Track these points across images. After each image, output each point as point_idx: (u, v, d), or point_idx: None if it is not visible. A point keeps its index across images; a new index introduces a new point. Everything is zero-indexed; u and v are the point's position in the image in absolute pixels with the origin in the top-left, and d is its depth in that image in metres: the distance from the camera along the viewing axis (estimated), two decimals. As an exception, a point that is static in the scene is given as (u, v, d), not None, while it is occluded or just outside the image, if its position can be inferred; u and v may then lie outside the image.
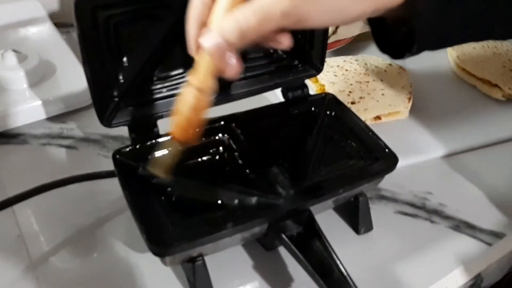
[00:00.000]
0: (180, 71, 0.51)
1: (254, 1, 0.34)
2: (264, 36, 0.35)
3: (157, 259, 0.43)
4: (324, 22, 0.35)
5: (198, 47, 0.37)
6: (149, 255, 0.42)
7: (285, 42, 0.37)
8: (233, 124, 0.54)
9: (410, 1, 0.35)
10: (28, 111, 0.63)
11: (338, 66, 0.73)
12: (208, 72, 0.37)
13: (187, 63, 0.50)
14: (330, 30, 0.75)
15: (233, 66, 0.36)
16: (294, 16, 0.33)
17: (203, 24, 0.36)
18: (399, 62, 0.75)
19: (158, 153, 0.41)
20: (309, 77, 0.58)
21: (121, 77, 0.48)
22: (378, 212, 0.56)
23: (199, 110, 0.38)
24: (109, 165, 0.49)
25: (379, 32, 0.41)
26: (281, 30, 0.35)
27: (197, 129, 0.39)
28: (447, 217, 0.56)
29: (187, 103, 0.38)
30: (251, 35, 0.34)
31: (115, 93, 0.48)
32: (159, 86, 0.50)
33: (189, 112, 0.38)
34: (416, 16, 0.36)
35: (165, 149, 0.41)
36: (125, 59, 0.47)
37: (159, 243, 0.41)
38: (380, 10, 0.35)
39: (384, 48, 0.41)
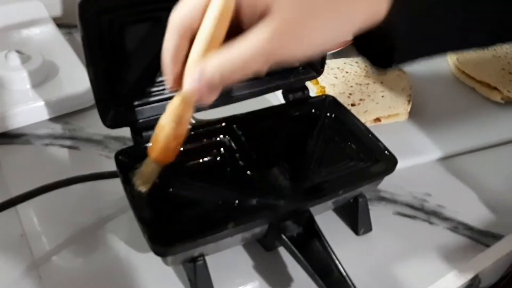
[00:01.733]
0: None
1: (236, 43, 0.33)
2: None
3: (158, 259, 0.44)
4: (307, 56, 0.34)
5: (177, 82, 0.37)
6: (151, 255, 0.42)
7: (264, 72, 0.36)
8: (234, 126, 0.54)
9: (387, 18, 0.34)
10: (31, 111, 0.63)
11: (338, 68, 0.73)
12: (188, 104, 0.37)
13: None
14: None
15: (211, 98, 0.36)
16: (277, 56, 0.33)
17: (180, 60, 0.36)
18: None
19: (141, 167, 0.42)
20: (309, 79, 0.59)
21: (124, 79, 0.48)
22: (378, 213, 0.57)
23: (178, 137, 0.39)
24: (111, 166, 0.49)
25: (360, 42, 0.40)
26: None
27: (175, 153, 0.40)
28: (445, 219, 0.57)
29: (167, 132, 0.38)
30: (235, 77, 0.34)
31: (118, 94, 0.48)
32: (161, 87, 0.51)
33: (168, 140, 0.38)
34: (392, 30, 0.35)
35: (146, 166, 0.42)
36: (128, 61, 0.48)
37: (161, 243, 0.41)
38: (359, 31, 0.34)
39: (366, 56, 0.40)
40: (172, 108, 0.38)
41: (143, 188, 0.42)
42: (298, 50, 0.33)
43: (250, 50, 0.32)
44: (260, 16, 0.33)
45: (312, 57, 0.34)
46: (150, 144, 0.40)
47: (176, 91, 0.38)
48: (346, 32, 0.34)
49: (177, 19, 0.36)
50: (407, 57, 0.38)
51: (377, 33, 0.35)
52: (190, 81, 0.35)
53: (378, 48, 0.37)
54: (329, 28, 0.33)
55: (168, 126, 0.38)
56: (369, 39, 0.36)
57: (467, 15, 0.37)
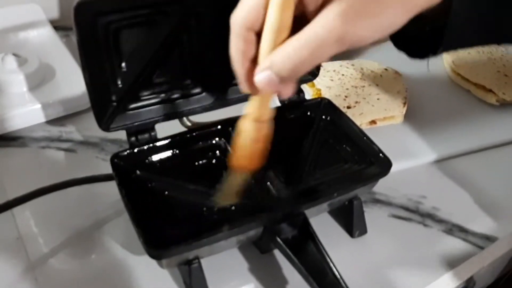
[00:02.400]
0: (178, 76, 0.52)
1: (303, 32, 0.32)
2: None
3: (154, 262, 0.44)
4: (375, 37, 0.33)
5: (249, 82, 0.35)
6: (146, 257, 0.43)
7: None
8: (230, 128, 0.55)
9: (445, 2, 0.33)
10: (27, 114, 0.63)
11: (334, 70, 0.74)
12: (265, 103, 0.37)
13: (185, 68, 0.52)
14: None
15: (289, 91, 0.35)
16: (348, 41, 0.32)
17: (250, 61, 0.35)
18: (395, 66, 0.76)
19: (223, 184, 0.43)
20: (305, 82, 0.59)
21: (119, 82, 0.48)
22: (372, 215, 0.57)
23: (261, 139, 0.38)
24: (107, 168, 0.50)
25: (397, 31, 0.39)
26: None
27: (259, 158, 0.39)
28: (440, 221, 0.57)
29: (249, 136, 0.38)
30: (305, 68, 0.33)
31: (114, 98, 0.49)
32: (157, 90, 0.51)
33: (252, 143, 0.38)
34: (449, 15, 0.35)
35: (231, 179, 0.42)
36: (123, 64, 0.48)
37: (156, 246, 0.42)
38: (418, 12, 0.34)
39: (401, 46, 0.40)
40: (249, 112, 0.37)
41: (231, 202, 0.42)
42: (368, 31, 0.32)
43: (322, 34, 0.31)
44: (326, 1, 0.32)
45: (379, 40, 0.33)
46: (232, 153, 0.39)
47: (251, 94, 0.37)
48: (410, 13, 0.33)
49: (238, 22, 0.34)
50: (456, 44, 0.38)
51: (423, 19, 0.34)
52: (262, 79, 0.34)
53: (417, 35, 0.37)
54: (396, 8, 0.32)
55: (248, 130, 0.37)
56: (409, 29, 0.35)
57: None
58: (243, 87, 0.36)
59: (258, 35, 0.34)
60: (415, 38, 0.36)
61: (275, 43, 0.33)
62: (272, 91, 0.34)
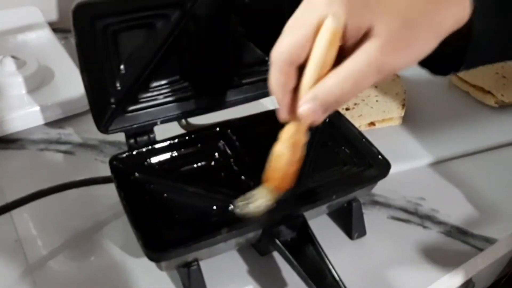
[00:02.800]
0: (176, 78, 0.52)
1: (344, 66, 0.34)
2: None
3: (152, 264, 0.44)
4: (409, 65, 0.35)
5: (291, 112, 0.37)
6: (145, 260, 0.43)
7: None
8: (229, 130, 0.55)
9: (470, 20, 0.35)
10: (26, 116, 0.63)
11: (333, 72, 0.74)
12: (302, 130, 0.38)
13: (183, 70, 0.52)
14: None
15: (322, 120, 0.37)
16: (386, 71, 0.34)
17: (290, 91, 0.37)
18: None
19: (254, 204, 0.44)
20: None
21: (118, 84, 0.48)
22: (371, 217, 0.57)
23: (296, 163, 0.40)
24: (106, 170, 0.50)
25: None
26: None
27: (293, 179, 0.41)
28: (439, 223, 0.57)
29: (286, 160, 0.40)
30: (347, 99, 0.35)
31: (112, 100, 0.49)
32: (155, 93, 0.51)
33: (288, 166, 0.40)
34: (472, 34, 0.36)
35: (262, 198, 0.43)
36: (122, 66, 0.48)
37: (155, 249, 0.42)
38: (447, 35, 0.36)
39: (424, 64, 0.42)
40: (287, 137, 0.39)
41: (257, 214, 0.44)
42: (404, 60, 0.34)
43: (363, 67, 0.33)
44: (364, 36, 0.34)
45: (412, 65, 0.35)
46: (267, 174, 0.42)
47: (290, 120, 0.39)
48: (439, 38, 0.35)
49: (282, 57, 0.36)
50: (479, 60, 0.39)
51: (451, 40, 0.36)
52: (306, 109, 0.36)
53: (440, 52, 0.38)
54: (427, 36, 0.35)
55: (286, 154, 0.39)
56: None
57: None
58: (283, 115, 0.38)
59: (299, 68, 0.36)
60: (438, 56, 0.38)
61: (319, 76, 0.35)
62: (312, 118, 0.36)
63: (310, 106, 0.35)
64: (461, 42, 0.37)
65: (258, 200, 0.44)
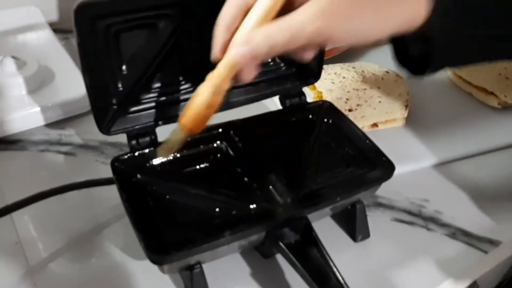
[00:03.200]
0: (178, 79, 0.51)
1: (286, 17, 0.35)
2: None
3: (154, 266, 0.43)
4: (348, 42, 0.37)
5: (223, 50, 0.38)
6: (147, 262, 0.42)
7: (307, 56, 0.39)
8: (231, 132, 0.54)
9: (428, 23, 0.36)
10: (26, 117, 0.63)
11: (335, 73, 0.73)
12: (229, 74, 0.38)
13: (185, 71, 0.51)
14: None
15: (251, 74, 0.38)
16: (322, 36, 0.35)
17: (231, 30, 0.38)
18: (396, 69, 0.75)
19: (166, 144, 0.44)
20: (306, 85, 0.59)
21: (120, 85, 0.48)
22: (375, 219, 0.56)
23: (211, 107, 0.40)
24: (107, 172, 0.49)
25: (398, 48, 0.42)
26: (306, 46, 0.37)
27: (205, 123, 0.41)
28: (443, 225, 0.57)
29: (202, 99, 0.39)
30: (279, 49, 0.36)
31: (114, 101, 0.48)
32: (157, 94, 0.51)
33: (202, 107, 0.40)
34: (433, 37, 0.37)
35: (174, 135, 0.43)
36: (124, 67, 0.48)
37: (157, 252, 0.41)
38: (400, 32, 0.37)
39: (403, 63, 0.42)
40: (212, 77, 0.39)
41: (164, 156, 0.45)
42: (344, 35, 0.36)
43: (298, 24, 0.35)
44: None
45: (353, 44, 0.36)
46: (183, 112, 0.41)
47: (218, 61, 0.39)
48: (385, 29, 0.36)
49: None
50: (444, 63, 0.40)
51: (415, 38, 0.37)
52: (236, 48, 0.37)
53: (414, 53, 0.39)
54: (371, 20, 0.36)
55: (205, 93, 0.39)
56: (407, 47, 0.38)
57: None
58: (216, 53, 0.39)
59: (247, 11, 0.38)
60: (416, 57, 0.38)
61: (259, 24, 0.37)
62: (240, 62, 0.37)
63: (240, 48, 0.37)
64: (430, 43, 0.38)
65: (169, 140, 0.43)
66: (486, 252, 0.54)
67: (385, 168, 0.51)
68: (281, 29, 0.35)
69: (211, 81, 0.39)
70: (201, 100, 0.39)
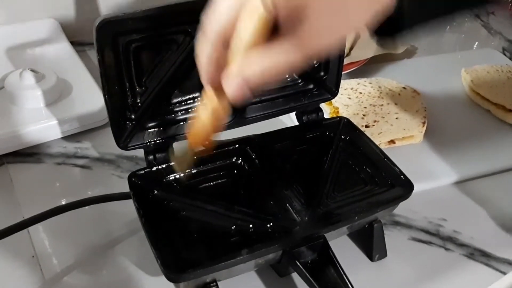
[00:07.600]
0: (196, 94, 0.51)
1: (271, 49, 0.35)
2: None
3: (169, 283, 0.43)
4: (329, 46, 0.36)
5: (212, 81, 0.38)
6: (161, 278, 0.42)
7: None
8: (248, 147, 0.54)
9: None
10: (44, 130, 0.63)
11: (352, 88, 0.73)
12: (224, 101, 0.38)
13: (203, 87, 0.51)
14: (346, 50, 0.76)
15: (246, 99, 0.37)
16: (311, 55, 0.35)
17: (213, 62, 0.37)
18: (413, 85, 0.75)
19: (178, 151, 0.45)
20: (324, 101, 0.58)
21: (139, 101, 0.48)
22: (392, 238, 0.56)
23: (213, 129, 0.40)
24: (122, 186, 0.49)
25: None
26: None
27: (209, 142, 0.41)
28: (461, 245, 0.56)
29: (199, 121, 0.39)
30: (274, 77, 0.35)
31: (133, 116, 0.48)
32: (175, 109, 0.51)
33: (204, 129, 0.40)
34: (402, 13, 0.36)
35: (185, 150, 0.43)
36: (143, 82, 0.48)
37: (174, 269, 0.41)
38: (374, 21, 0.36)
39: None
40: (208, 102, 0.39)
41: (181, 171, 0.48)
42: (326, 43, 0.35)
43: (289, 51, 0.34)
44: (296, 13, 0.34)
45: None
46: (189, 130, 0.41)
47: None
48: (353, 27, 0.36)
49: (215, 29, 0.36)
50: (413, 20, 0.39)
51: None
52: (232, 81, 0.36)
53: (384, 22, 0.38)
54: (354, 21, 0.35)
55: (208, 122, 0.39)
56: None
57: None
58: (205, 84, 0.38)
59: (227, 39, 0.36)
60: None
61: (246, 51, 0.35)
62: (238, 95, 0.36)
63: (237, 82, 0.36)
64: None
65: (179, 156, 0.44)
66: (504, 273, 0.54)
67: (404, 187, 0.50)
68: (270, 60, 0.35)
69: (209, 106, 0.39)
70: (201, 123, 0.39)
